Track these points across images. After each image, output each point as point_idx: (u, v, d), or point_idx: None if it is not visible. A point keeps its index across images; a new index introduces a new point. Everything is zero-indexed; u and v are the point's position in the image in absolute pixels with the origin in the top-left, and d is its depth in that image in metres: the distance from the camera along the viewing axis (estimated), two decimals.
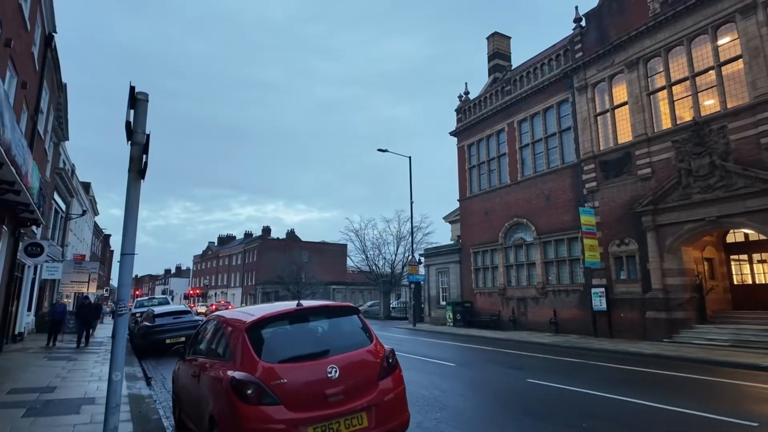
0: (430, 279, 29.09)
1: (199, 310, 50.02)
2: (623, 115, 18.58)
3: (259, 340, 4.27)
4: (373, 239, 39.72)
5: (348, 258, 47.03)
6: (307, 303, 4.81)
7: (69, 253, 27.48)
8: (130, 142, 4.37)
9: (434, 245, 31.76)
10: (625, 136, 18.37)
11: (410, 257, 28.83)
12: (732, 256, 18.15)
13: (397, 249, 39.05)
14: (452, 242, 32.00)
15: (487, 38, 30.28)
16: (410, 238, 30.63)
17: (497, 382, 8.92)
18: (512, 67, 27.42)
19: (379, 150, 27.47)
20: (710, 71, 15.74)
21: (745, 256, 17.93)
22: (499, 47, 29.95)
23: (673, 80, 16.86)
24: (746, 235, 17.62)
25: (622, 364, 11.56)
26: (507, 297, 23.06)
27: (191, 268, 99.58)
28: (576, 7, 21.21)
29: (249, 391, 3.86)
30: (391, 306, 39.58)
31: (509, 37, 30.54)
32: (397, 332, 22.77)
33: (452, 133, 28.02)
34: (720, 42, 15.60)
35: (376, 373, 4.37)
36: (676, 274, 16.36)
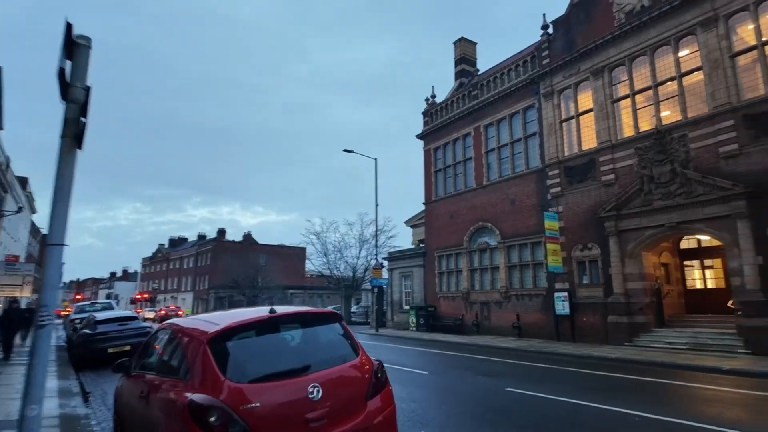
0: (394, 283, 28.62)
1: (146, 316, 47.18)
2: (588, 122, 18.87)
3: (224, 354, 3.49)
4: (334, 242, 38.75)
5: (308, 261, 45.79)
6: (281, 309, 4.09)
7: (1, 253, 24.96)
8: (64, 99, 3.35)
9: (398, 249, 31.34)
10: (589, 142, 18.65)
11: (374, 261, 28.22)
12: (685, 262, 18.79)
13: (359, 252, 38.36)
14: (414, 246, 31.72)
15: (454, 43, 30.33)
16: (373, 242, 30.09)
17: (476, 392, 8.44)
18: (478, 72, 27.50)
19: (345, 150, 26.79)
20: (672, 81, 16.19)
21: (697, 262, 18.60)
22: (465, 52, 30.05)
23: (636, 89, 17.25)
24: (699, 242, 18.28)
25: (592, 369, 11.45)
26: (470, 301, 22.91)
27: (139, 271, 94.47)
28: (544, 15, 21.48)
29: (212, 419, 3.11)
30: (351, 311, 38.80)
31: (475, 43, 30.73)
32: (360, 337, 21.84)
33: (419, 136, 27.75)
34: (682, 53, 16.08)
35: (364, 392, 3.73)
36: (637, 278, 16.66)
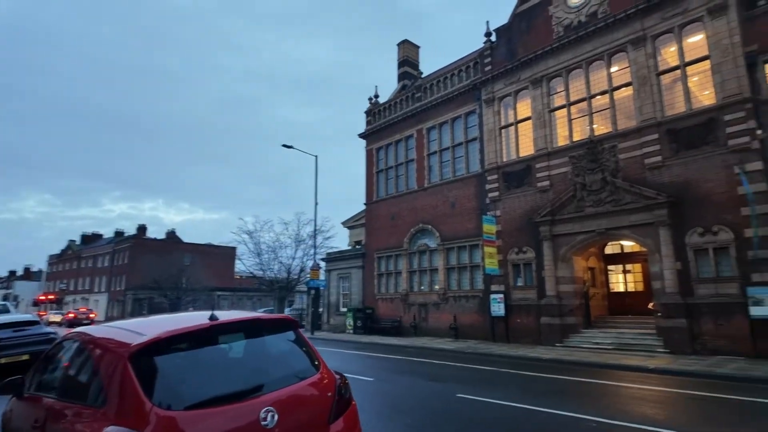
0: (331, 284, 27.89)
1: (51, 319, 42.37)
2: (526, 130, 19.46)
3: (151, 373, 2.70)
4: (269, 242, 37.12)
5: (238, 262, 43.57)
6: (225, 315, 3.38)
7: None
8: None
9: (336, 249, 30.64)
10: (527, 149, 19.24)
11: (311, 262, 27.33)
12: (609, 266, 19.97)
13: (295, 253, 37.06)
14: (351, 247, 31.20)
15: (398, 44, 30.33)
16: (310, 242, 29.11)
17: (428, 400, 8.06)
18: (422, 75, 27.63)
19: (284, 146, 25.67)
20: (604, 95, 17.09)
21: (619, 267, 19.84)
22: (408, 55, 30.14)
23: (572, 100, 18.03)
24: (621, 247, 19.50)
25: (532, 371, 11.61)
26: (409, 303, 22.82)
27: (45, 270, 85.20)
28: (487, 22, 21.95)
29: None
30: (285, 314, 37.41)
31: (418, 47, 30.95)
32: None
33: (362, 135, 27.32)
34: (614, 69, 17.02)
35: (326, 414, 3.14)
36: (568, 281, 17.37)
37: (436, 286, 21.79)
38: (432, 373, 11.14)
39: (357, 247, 30.35)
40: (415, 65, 30.22)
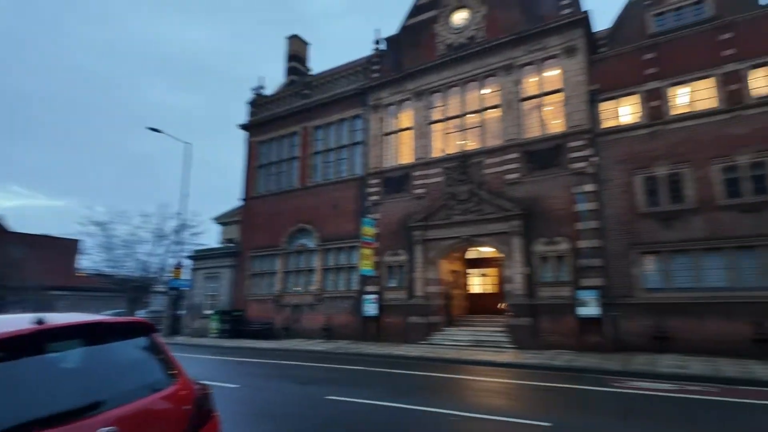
0: (197, 285, 25.85)
1: None
2: (407, 139, 20.38)
3: None
4: (124, 235, 33.01)
5: (83, 257, 38.03)
6: (58, 318, 2.79)
7: None
8: None
9: (205, 247, 28.50)
10: (407, 157, 20.14)
11: (175, 259, 25.04)
12: (469, 270, 21.85)
13: (155, 249, 33.49)
14: (222, 245, 29.40)
15: (288, 38, 29.53)
16: (173, 238, 26.62)
17: (296, 405, 7.82)
18: (310, 72, 27.25)
19: (151, 129, 23.14)
20: (477, 113, 18.68)
21: (478, 270, 21.84)
22: (298, 51, 29.54)
23: (449, 115, 19.36)
24: (480, 253, 21.47)
25: (399, 368, 12.07)
26: (282, 304, 22.22)
27: None
28: (377, 30, 22.55)
29: None
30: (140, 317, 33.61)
31: (308, 44, 30.52)
32: None
33: (243, 127, 25.91)
34: (486, 90, 18.70)
35: (181, 430, 2.78)
36: (435, 283, 18.55)
37: (312, 287, 21.58)
38: (302, 376, 10.93)
39: (230, 245, 28.64)
40: (303, 62, 29.74)
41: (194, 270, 26.43)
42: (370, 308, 19.03)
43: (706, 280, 13.75)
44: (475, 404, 7.63)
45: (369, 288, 19.53)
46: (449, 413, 6.87)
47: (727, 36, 14.87)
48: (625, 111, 16.24)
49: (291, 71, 28.89)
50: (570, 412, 7.04)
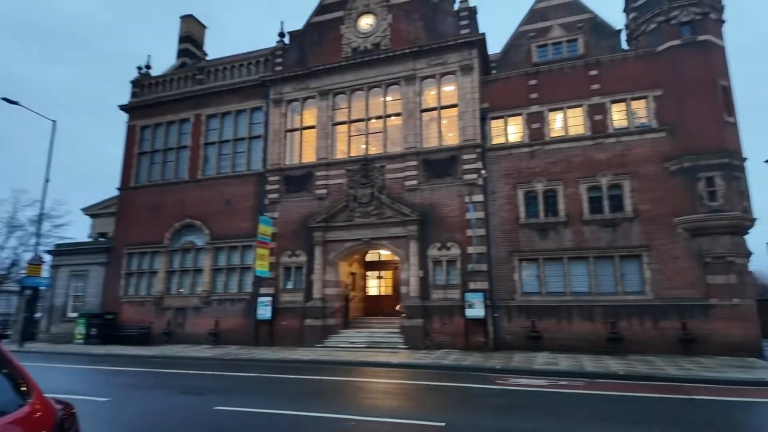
0: (58, 284, 22.48)
1: None
2: (310, 137, 20.02)
3: None
4: None
5: None
6: None
7: None
8: None
9: (70, 241, 24.97)
10: (309, 156, 19.78)
11: (33, 254, 21.54)
12: (368, 272, 22.21)
13: (5, 241, 28.51)
14: (92, 239, 26.09)
15: (182, 18, 27.17)
16: (32, 229, 22.94)
17: (179, 418, 7.12)
18: (207, 58, 25.42)
19: (6, 100, 19.50)
20: (380, 119, 19.03)
21: (375, 273, 22.29)
22: (192, 32, 27.34)
23: (353, 118, 19.45)
24: (379, 256, 21.95)
25: (293, 373, 11.76)
26: (164, 307, 20.33)
27: None
28: (282, 23, 21.81)
29: None
30: None
31: (205, 27, 28.42)
32: None
33: (124, 108, 23.16)
34: (389, 98, 19.14)
35: None
36: (333, 285, 18.49)
37: (200, 289, 20.08)
38: (186, 386, 10.07)
39: (101, 239, 25.48)
40: (199, 45, 27.61)
41: (55, 267, 22.99)
42: (264, 311, 18.30)
43: (572, 286, 15.64)
44: (372, 407, 7.73)
45: (264, 290, 18.78)
46: (347, 418, 6.85)
47: (594, 72, 17.12)
48: (512, 130, 17.83)
49: (183, 53, 26.65)
50: (461, 410, 7.47)
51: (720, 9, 16.31)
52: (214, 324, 19.02)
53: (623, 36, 18.38)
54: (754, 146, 15.92)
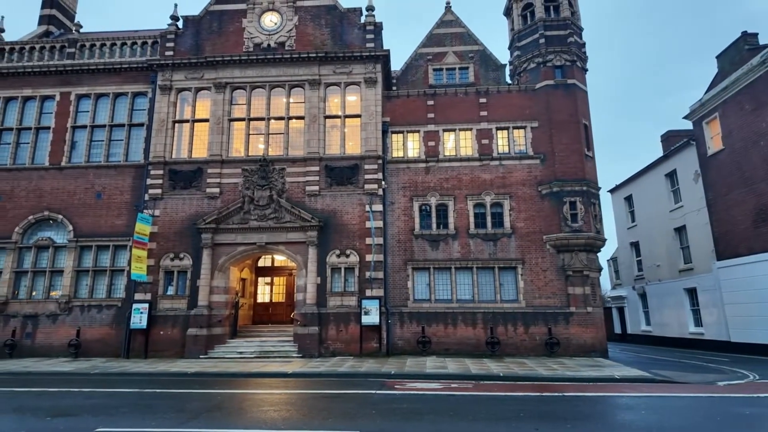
0: None
1: None
2: (202, 131, 18.68)
3: None
4: None
5: None
6: None
7: None
8: None
9: None
10: (200, 151, 18.44)
11: None
12: (260, 278, 21.37)
13: None
14: None
15: None
16: None
17: None
18: (80, 30, 22.19)
19: None
20: (281, 120, 18.54)
21: (269, 279, 21.54)
22: None
23: (252, 116, 18.63)
24: (273, 261, 21.28)
25: (179, 387, 10.83)
26: (8, 314, 17.13)
27: None
28: (176, 5, 20.06)
29: None
30: None
31: None
32: None
33: None
34: (292, 100, 18.77)
35: None
36: (222, 291, 17.42)
37: (57, 293, 17.35)
38: (54, 407, 8.63)
39: None
40: (70, 15, 24.03)
41: None
42: (139, 319, 16.49)
43: (458, 294, 16.92)
44: (280, 420, 7.49)
45: (139, 296, 16.94)
46: None
47: (483, 100, 18.87)
48: (410, 145, 18.77)
49: (48, 20, 22.95)
50: (370, 418, 7.63)
51: (584, 59, 19.19)
52: (75, 334, 16.58)
53: (507, 70, 20.57)
54: (603, 177, 19.01)
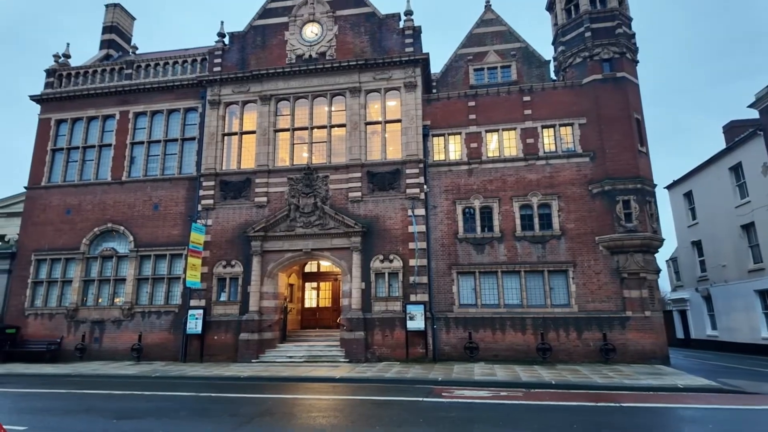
0: None
1: None
2: (250, 143, 19.35)
3: None
4: None
5: None
6: None
7: None
8: None
9: None
10: (248, 162, 19.10)
11: None
12: (306, 283, 21.80)
13: None
14: None
15: (107, 6, 25.12)
16: None
17: None
18: (137, 51, 23.64)
19: None
20: (324, 129, 18.89)
21: (315, 284, 21.93)
22: (120, 22, 25.36)
23: (296, 126, 19.11)
24: (318, 266, 21.65)
25: (234, 391, 11.22)
26: (78, 320, 18.44)
27: None
28: (222, 22, 20.94)
29: None
30: None
31: (134, 18, 26.50)
32: None
33: (36, 99, 20.81)
34: (334, 108, 19.08)
35: None
36: (272, 297, 17.91)
37: (121, 300, 18.49)
38: (119, 409, 9.21)
39: (10, 242, 22.66)
40: (127, 38, 25.67)
41: None
42: (194, 325, 17.25)
43: (506, 298, 16.52)
44: (331, 427, 7.59)
45: (194, 302, 17.74)
46: None
47: (527, 99, 18.35)
48: (452, 148, 18.55)
49: (108, 44, 24.62)
50: (419, 426, 7.56)
51: (634, 50, 18.28)
52: (137, 339, 17.58)
53: (551, 66, 19.93)
54: (659, 174, 18.02)
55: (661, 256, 31.46)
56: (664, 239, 16.32)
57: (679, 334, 28.58)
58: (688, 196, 27.33)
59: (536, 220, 17.02)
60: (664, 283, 29.64)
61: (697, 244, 26.34)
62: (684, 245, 27.88)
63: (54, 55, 21.60)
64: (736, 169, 22.78)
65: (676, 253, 29.86)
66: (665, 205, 26.82)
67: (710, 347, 24.69)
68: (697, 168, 26.02)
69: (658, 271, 15.95)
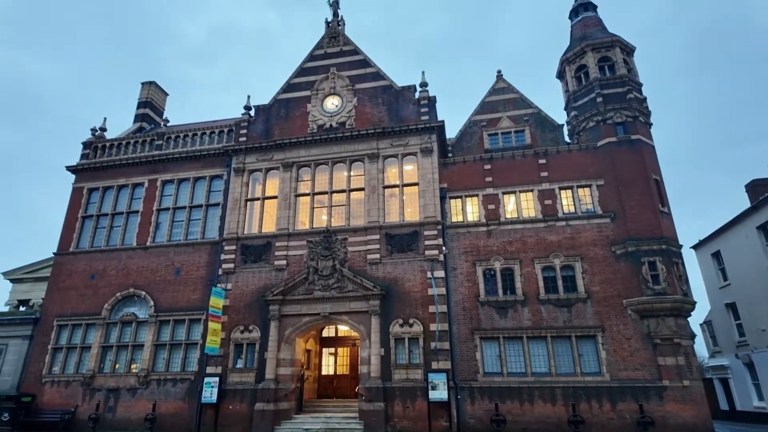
0: None
1: None
2: (271, 208, 19.83)
3: None
4: None
5: None
6: None
7: None
8: None
9: None
10: (269, 226, 19.45)
11: None
12: (324, 349, 21.25)
13: None
14: (11, 308, 23.56)
15: (143, 84, 27.20)
16: None
17: None
18: (167, 124, 25.15)
19: None
20: (343, 193, 19.31)
21: (333, 349, 21.35)
22: (153, 98, 27.28)
23: (316, 190, 19.60)
24: (336, 331, 21.20)
25: None
26: (94, 387, 18.13)
27: None
28: (249, 96, 22.27)
29: None
30: None
31: (167, 94, 28.50)
32: None
33: (72, 169, 22.04)
34: (353, 173, 19.60)
35: None
36: (288, 364, 17.43)
37: (137, 367, 18.23)
38: None
39: (22, 309, 23.04)
40: (159, 111, 27.48)
41: None
42: (209, 393, 16.77)
43: (533, 366, 15.74)
44: None
45: (210, 369, 17.38)
46: None
47: (543, 161, 18.61)
48: (469, 209, 18.65)
49: (141, 118, 26.31)
50: None
51: (647, 114, 18.65)
52: (151, 408, 17.10)
53: (565, 130, 20.34)
54: (681, 233, 17.61)
55: (694, 320, 29.98)
56: (695, 302, 15.63)
57: (723, 405, 26.46)
58: (717, 256, 26.48)
59: (560, 282, 16.60)
60: (701, 348, 28.01)
61: (732, 306, 25.09)
62: (718, 307, 26.58)
63: (91, 129, 23.08)
64: (765, 228, 22.16)
65: (710, 317, 28.41)
66: (693, 266, 25.98)
67: (760, 420, 22.70)
68: (723, 227, 25.42)
69: (693, 336, 15.13)
